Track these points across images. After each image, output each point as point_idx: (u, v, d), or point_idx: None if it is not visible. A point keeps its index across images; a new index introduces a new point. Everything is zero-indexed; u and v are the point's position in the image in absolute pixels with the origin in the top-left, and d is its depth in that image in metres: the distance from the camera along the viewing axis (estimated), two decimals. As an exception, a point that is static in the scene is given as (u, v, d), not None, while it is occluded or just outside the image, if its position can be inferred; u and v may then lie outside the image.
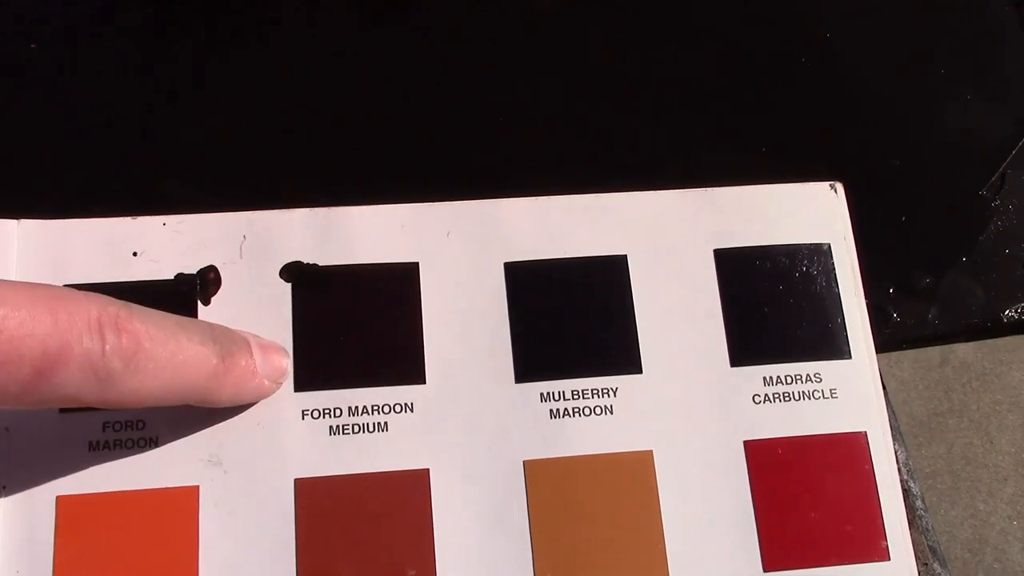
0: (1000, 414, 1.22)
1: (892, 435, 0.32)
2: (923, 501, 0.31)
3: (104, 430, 0.28)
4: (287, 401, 0.29)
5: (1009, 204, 0.33)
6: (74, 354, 0.22)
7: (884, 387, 0.33)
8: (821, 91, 0.34)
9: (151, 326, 0.23)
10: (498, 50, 0.34)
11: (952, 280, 0.32)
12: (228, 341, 0.26)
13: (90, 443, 0.28)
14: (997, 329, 0.32)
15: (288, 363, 0.29)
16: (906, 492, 0.31)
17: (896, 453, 0.31)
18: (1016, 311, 0.32)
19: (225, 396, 0.26)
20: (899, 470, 0.31)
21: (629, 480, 0.28)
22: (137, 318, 0.23)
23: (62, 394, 0.22)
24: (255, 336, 0.28)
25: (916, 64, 0.35)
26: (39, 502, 0.27)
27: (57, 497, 0.27)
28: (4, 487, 0.27)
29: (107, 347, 0.22)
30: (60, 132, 0.32)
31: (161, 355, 0.23)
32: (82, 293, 0.23)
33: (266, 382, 0.28)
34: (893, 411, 0.33)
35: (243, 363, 0.26)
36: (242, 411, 0.28)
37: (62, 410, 0.28)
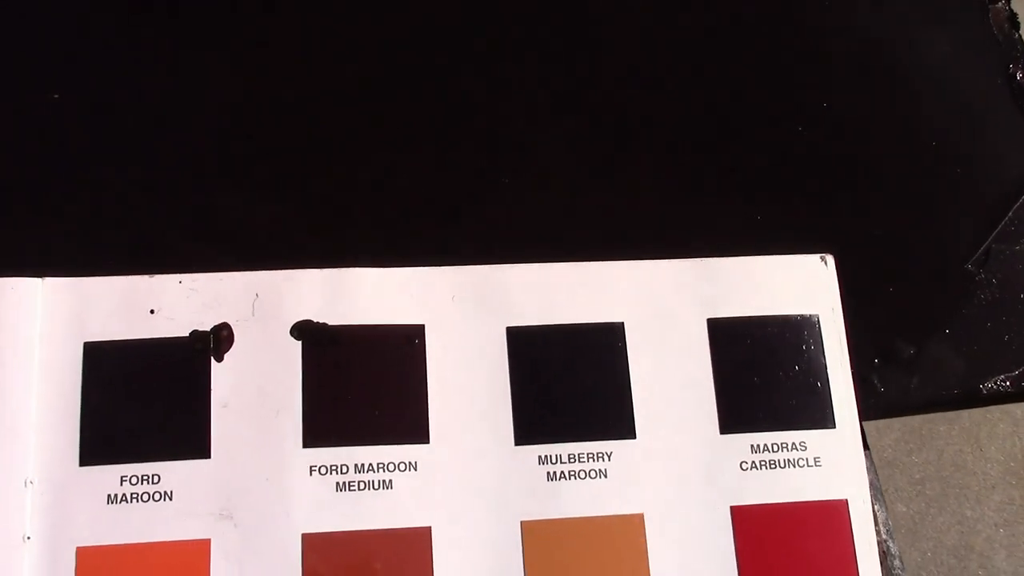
0: (991, 422, 1.24)
1: (875, 497, 0.33)
2: (901, 561, 0.33)
3: (122, 483, 0.29)
4: (295, 457, 0.30)
5: (993, 278, 0.34)
6: None
7: (868, 448, 0.34)
8: (816, 162, 0.35)
9: None
10: (506, 120, 0.35)
11: (935, 351, 0.34)
12: None
13: (108, 496, 0.29)
14: (976, 400, 0.34)
15: None
16: (885, 554, 0.32)
17: (876, 515, 0.33)
18: (995, 382, 0.34)
19: None
20: (879, 531, 0.33)
21: (620, 542, 0.30)
22: None
23: None
24: None
25: (908, 137, 0.36)
26: (61, 552, 0.28)
27: (77, 548, 0.28)
28: (29, 537, 0.28)
29: None
30: (82, 192, 0.33)
31: None
32: None
33: None
34: (876, 473, 0.34)
35: None
36: (253, 466, 0.30)
37: (82, 463, 0.29)
